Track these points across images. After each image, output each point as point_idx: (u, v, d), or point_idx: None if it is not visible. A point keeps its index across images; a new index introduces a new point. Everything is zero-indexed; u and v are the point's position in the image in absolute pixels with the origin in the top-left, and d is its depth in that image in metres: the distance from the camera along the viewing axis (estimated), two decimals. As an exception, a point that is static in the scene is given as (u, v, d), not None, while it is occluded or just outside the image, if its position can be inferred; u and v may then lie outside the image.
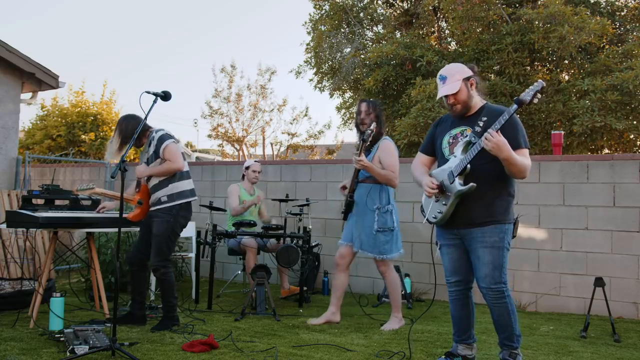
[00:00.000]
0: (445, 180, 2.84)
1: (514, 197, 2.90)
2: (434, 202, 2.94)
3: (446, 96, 2.87)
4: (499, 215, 2.81)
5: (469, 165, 2.76)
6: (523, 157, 2.73)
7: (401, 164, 5.66)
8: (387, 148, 4.03)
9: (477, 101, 2.93)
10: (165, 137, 3.80)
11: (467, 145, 2.81)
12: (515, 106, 2.67)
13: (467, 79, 2.87)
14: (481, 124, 2.81)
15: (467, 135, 2.86)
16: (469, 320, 3.03)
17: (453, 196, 2.80)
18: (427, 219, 2.98)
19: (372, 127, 3.87)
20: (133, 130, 3.63)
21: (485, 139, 2.63)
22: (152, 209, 3.83)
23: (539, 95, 2.66)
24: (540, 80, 2.66)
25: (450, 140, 2.96)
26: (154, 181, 3.84)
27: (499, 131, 2.65)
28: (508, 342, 2.88)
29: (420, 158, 3.18)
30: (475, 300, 3.09)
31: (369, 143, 3.95)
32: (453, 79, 2.86)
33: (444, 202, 2.86)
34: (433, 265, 3.25)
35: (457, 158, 2.84)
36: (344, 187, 4.18)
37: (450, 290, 3.04)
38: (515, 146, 2.71)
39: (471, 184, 2.73)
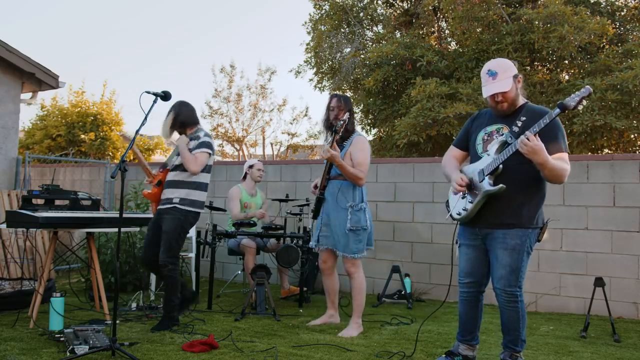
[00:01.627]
0: (475, 178, 2.75)
1: (543, 202, 2.80)
2: (460, 199, 2.85)
3: (494, 93, 2.72)
4: (525, 219, 2.72)
5: (501, 166, 2.66)
6: (562, 162, 2.61)
7: (401, 164, 5.69)
8: (361, 144, 3.83)
9: (519, 100, 2.80)
10: (206, 144, 3.89)
11: (503, 145, 2.70)
12: (557, 110, 2.54)
13: (515, 76, 2.73)
14: (519, 123, 2.68)
15: (503, 134, 2.74)
16: (476, 321, 2.99)
17: (480, 195, 2.71)
18: (450, 215, 2.91)
19: (344, 118, 3.68)
20: (187, 115, 3.93)
21: (522, 142, 2.51)
22: (162, 207, 3.87)
23: (584, 102, 2.50)
24: (588, 87, 2.48)
25: (485, 137, 2.84)
26: (171, 176, 3.92)
27: (537, 134, 2.54)
28: (512, 345, 2.85)
29: (453, 152, 3.06)
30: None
31: (339, 137, 3.75)
32: (505, 75, 2.69)
33: (470, 200, 2.78)
34: (451, 265, 3.19)
35: (490, 157, 2.73)
36: (315, 186, 4.00)
37: (462, 291, 2.98)
38: (556, 149, 2.61)
39: (501, 185, 2.63)
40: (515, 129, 2.69)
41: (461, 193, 2.82)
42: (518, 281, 2.73)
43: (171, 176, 3.92)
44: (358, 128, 13.95)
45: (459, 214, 2.85)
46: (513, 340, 2.83)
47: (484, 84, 2.77)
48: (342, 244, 3.79)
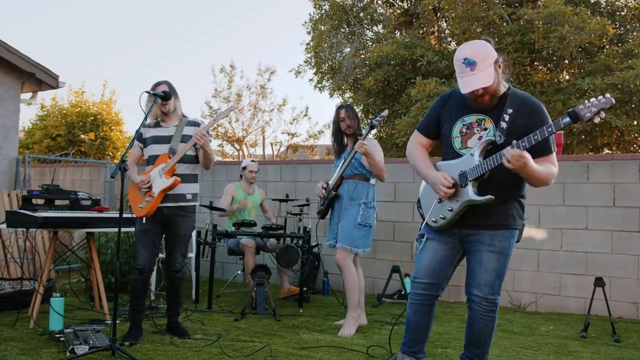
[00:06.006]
0: (456, 180, 2.38)
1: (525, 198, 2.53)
2: (436, 203, 2.46)
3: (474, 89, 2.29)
4: (513, 218, 2.42)
5: (487, 173, 2.31)
6: (549, 166, 2.29)
7: (401, 164, 5.69)
8: (375, 145, 4.01)
9: (501, 88, 2.36)
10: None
11: (488, 146, 2.32)
12: (567, 119, 2.09)
13: (496, 61, 2.29)
14: (507, 117, 2.28)
15: (486, 128, 2.35)
16: (427, 331, 2.62)
17: (462, 204, 2.35)
18: (425, 222, 2.54)
19: (383, 114, 3.89)
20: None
21: (507, 159, 2.15)
22: (174, 204, 3.45)
23: (602, 114, 2.04)
24: (608, 96, 2.05)
25: (464, 130, 2.41)
26: (182, 169, 3.48)
27: (525, 130, 2.22)
28: None
29: (419, 138, 2.63)
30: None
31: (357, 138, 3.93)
32: (485, 63, 2.24)
33: (449, 207, 2.40)
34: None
35: (473, 158, 2.32)
36: (324, 187, 4.09)
37: (416, 293, 2.55)
38: (546, 152, 2.29)
39: (489, 196, 2.28)
40: (503, 124, 2.29)
41: (437, 195, 2.44)
42: (500, 288, 2.44)
43: (182, 169, 3.47)
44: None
45: (435, 221, 2.47)
46: (482, 354, 2.50)
47: (459, 74, 2.29)
48: (346, 236, 3.88)
